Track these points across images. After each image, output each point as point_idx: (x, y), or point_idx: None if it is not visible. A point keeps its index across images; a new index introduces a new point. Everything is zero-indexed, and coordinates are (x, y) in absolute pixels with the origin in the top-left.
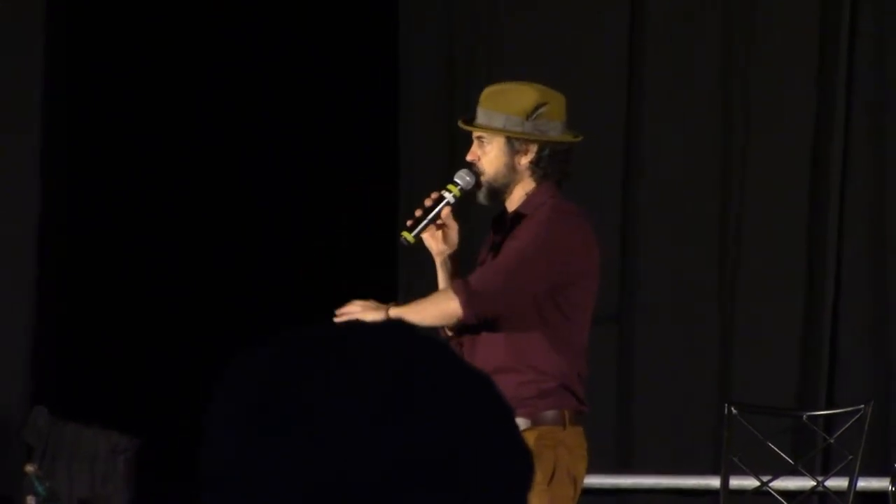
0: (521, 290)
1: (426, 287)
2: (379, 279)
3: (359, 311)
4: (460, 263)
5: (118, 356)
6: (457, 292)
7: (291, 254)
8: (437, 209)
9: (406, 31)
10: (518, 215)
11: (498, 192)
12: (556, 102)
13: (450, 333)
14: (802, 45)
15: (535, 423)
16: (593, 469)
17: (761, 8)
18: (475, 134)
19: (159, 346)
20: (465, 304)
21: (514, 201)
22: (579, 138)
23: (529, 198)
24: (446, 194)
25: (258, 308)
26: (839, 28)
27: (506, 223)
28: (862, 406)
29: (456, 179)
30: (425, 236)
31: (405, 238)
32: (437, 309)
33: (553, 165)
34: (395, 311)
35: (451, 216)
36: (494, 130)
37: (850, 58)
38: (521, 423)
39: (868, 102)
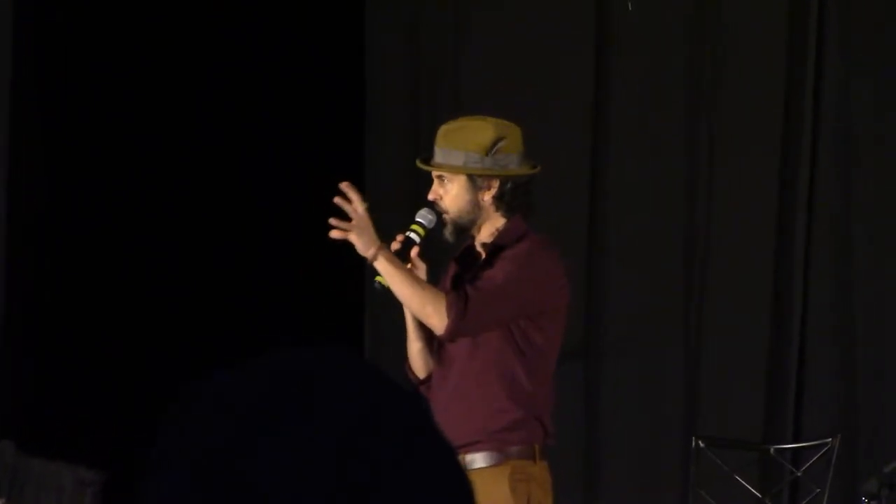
0: (497, 320)
1: (393, 309)
2: (345, 303)
3: (351, 234)
4: None
5: (86, 389)
6: (449, 314)
7: (257, 282)
8: (405, 252)
9: (372, 64)
10: (496, 247)
11: (464, 229)
12: (513, 135)
13: (421, 377)
14: (769, 74)
15: (506, 457)
16: (560, 503)
17: (729, 33)
18: (435, 173)
19: (126, 379)
20: (450, 330)
21: (483, 237)
22: (538, 169)
23: (504, 231)
24: (412, 235)
25: (227, 337)
26: (805, 57)
27: (475, 256)
28: (829, 439)
29: (418, 219)
30: None
31: (379, 282)
32: (423, 310)
33: (517, 198)
34: (383, 264)
35: (418, 257)
36: (455, 169)
37: (817, 87)
38: (491, 458)
39: (835, 130)
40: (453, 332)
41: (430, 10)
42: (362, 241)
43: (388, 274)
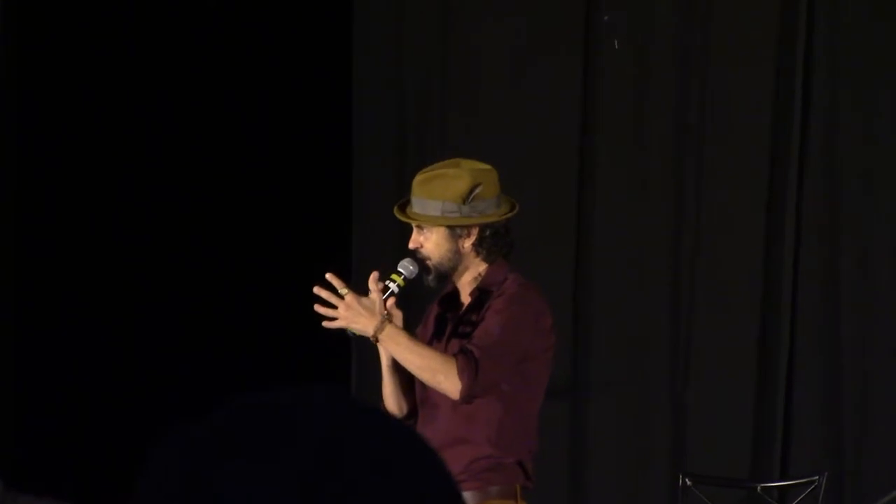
0: (504, 374)
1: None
2: (331, 344)
3: (346, 318)
4: None
5: (74, 425)
6: (462, 378)
7: (241, 318)
8: (381, 300)
9: (359, 104)
10: (482, 291)
11: (446, 276)
12: (489, 179)
13: (404, 411)
14: (757, 104)
15: (488, 497)
16: None
17: (717, 68)
18: (414, 223)
19: (115, 416)
20: (464, 395)
21: (465, 280)
22: (516, 209)
23: (488, 275)
24: (391, 284)
25: (212, 377)
26: (793, 90)
27: (459, 300)
28: (816, 477)
29: (399, 269)
30: None
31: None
32: (434, 378)
33: (497, 243)
34: (387, 344)
35: (394, 306)
36: (433, 220)
37: (804, 117)
38: (474, 497)
39: (824, 165)
40: (468, 395)
41: (416, 53)
42: (357, 326)
43: (394, 351)
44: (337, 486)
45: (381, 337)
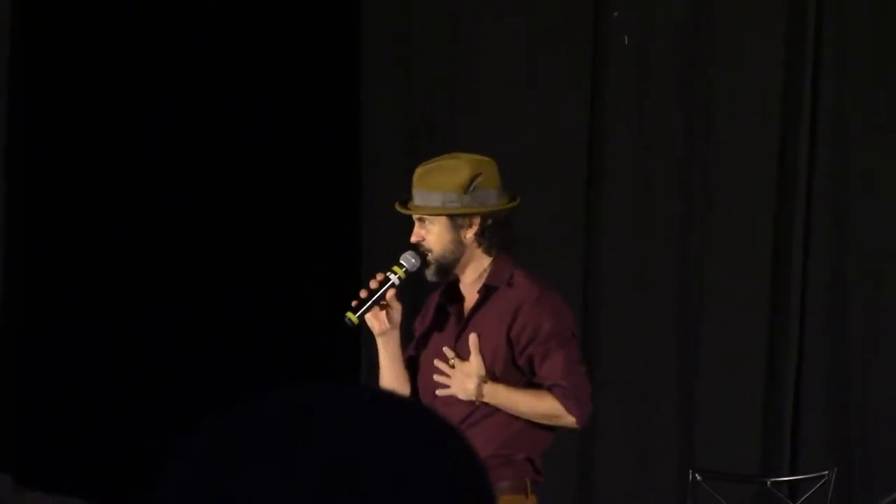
0: (584, 369)
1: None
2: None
3: (455, 384)
4: (400, 341)
5: (83, 422)
6: (570, 409)
7: (246, 317)
8: (381, 291)
9: (367, 103)
10: (489, 288)
11: (448, 269)
12: (489, 170)
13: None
14: (764, 103)
15: (498, 492)
16: None
17: (725, 69)
18: (415, 215)
19: (124, 413)
20: (583, 421)
21: (469, 275)
22: (517, 201)
23: (493, 271)
24: (391, 276)
25: (222, 368)
26: (802, 83)
27: (460, 295)
28: (826, 472)
29: (401, 261)
30: (368, 317)
31: (349, 319)
32: (549, 417)
33: (498, 234)
34: (489, 394)
35: (394, 298)
36: (434, 210)
37: (812, 127)
38: None
39: (831, 173)
40: (585, 418)
41: (425, 52)
42: (466, 391)
43: (499, 405)
44: (350, 484)
45: (483, 397)
